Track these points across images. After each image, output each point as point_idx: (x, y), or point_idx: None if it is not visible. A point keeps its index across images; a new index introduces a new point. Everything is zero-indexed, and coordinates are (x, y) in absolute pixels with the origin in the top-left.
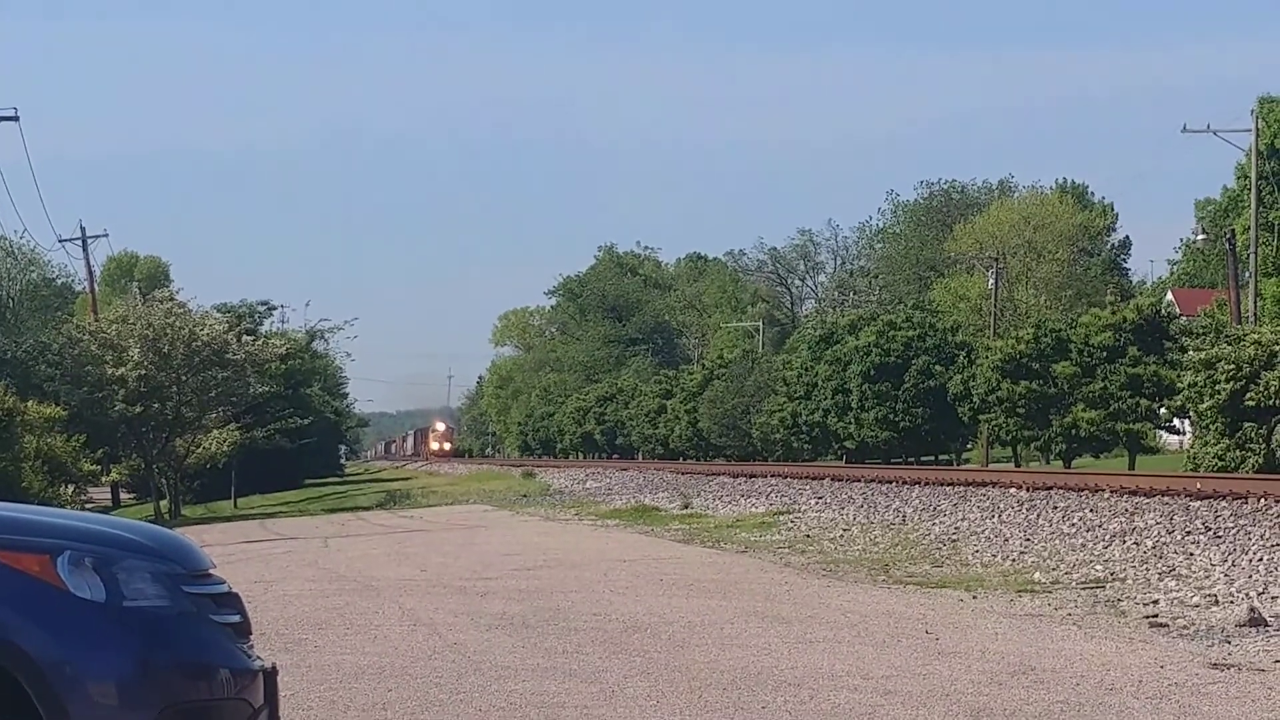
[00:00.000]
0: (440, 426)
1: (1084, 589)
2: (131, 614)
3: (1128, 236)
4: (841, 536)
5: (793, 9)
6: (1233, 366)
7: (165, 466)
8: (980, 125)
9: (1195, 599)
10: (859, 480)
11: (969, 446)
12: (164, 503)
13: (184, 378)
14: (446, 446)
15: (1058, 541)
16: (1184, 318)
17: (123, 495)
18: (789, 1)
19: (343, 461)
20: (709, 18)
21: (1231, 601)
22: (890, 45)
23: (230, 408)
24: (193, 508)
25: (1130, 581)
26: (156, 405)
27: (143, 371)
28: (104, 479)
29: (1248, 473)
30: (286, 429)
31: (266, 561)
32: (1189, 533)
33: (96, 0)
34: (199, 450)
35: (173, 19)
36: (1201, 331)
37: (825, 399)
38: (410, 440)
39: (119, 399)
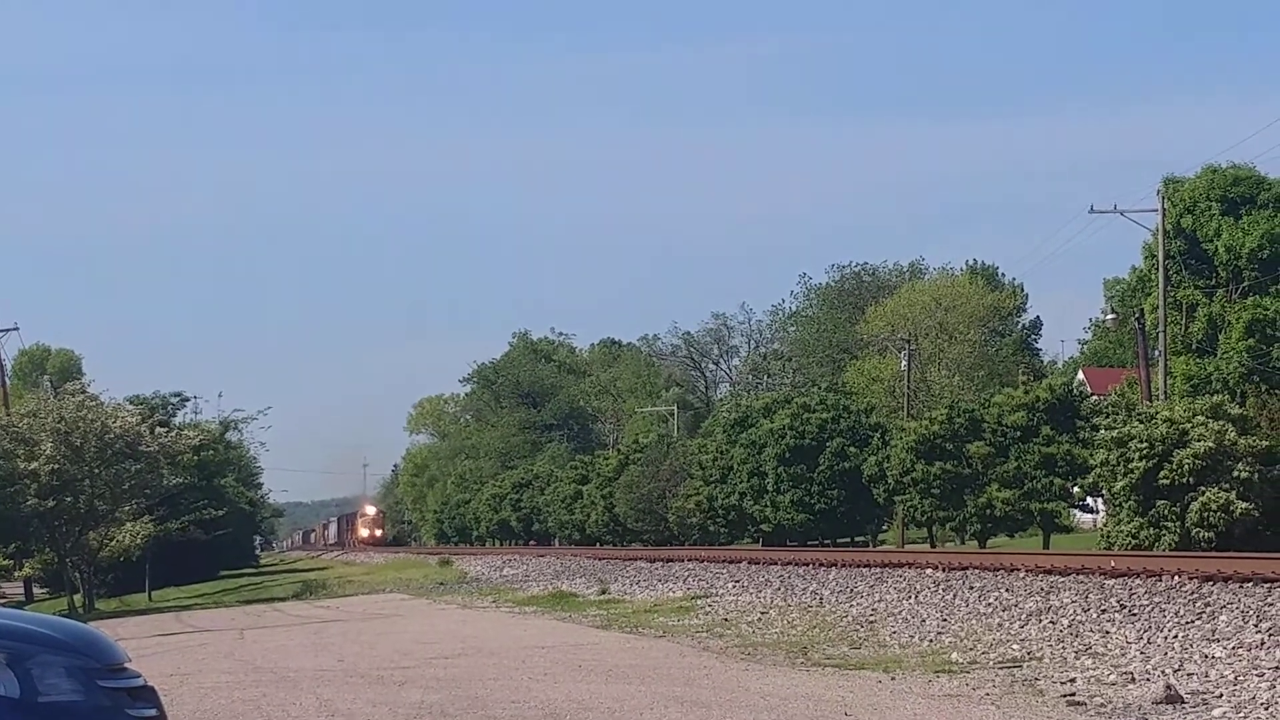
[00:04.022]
0: (370, 511)
1: (1001, 668)
2: (46, 709)
3: (1038, 317)
4: (759, 619)
5: (700, 92)
6: (1145, 445)
7: (79, 560)
8: (888, 206)
9: (1112, 677)
10: (775, 563)
11: (884, 528)
12: (78, 596)
13: (97, 470)
14: (378, 534)
15: (974, 621)
16: (1095, 397)
17: (36, 590)
18: (696, 85)
19: (258, 552)
20: (618, 102)
21: (1148, 679)
22: (800, 125)
23: (144, 500)
24: (107, 601)
25: (1047, 660)
26: (69, 499)
27: (55, 465)
28: (17, 574)
29: (1162, 551)
30: (201, 520)
31: (182, 654)
32: (1105, 611)
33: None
34: (112, 543)
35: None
36: (1113, 410)
37: (741, 482)
38: (334, 528)
39: (31, 493)
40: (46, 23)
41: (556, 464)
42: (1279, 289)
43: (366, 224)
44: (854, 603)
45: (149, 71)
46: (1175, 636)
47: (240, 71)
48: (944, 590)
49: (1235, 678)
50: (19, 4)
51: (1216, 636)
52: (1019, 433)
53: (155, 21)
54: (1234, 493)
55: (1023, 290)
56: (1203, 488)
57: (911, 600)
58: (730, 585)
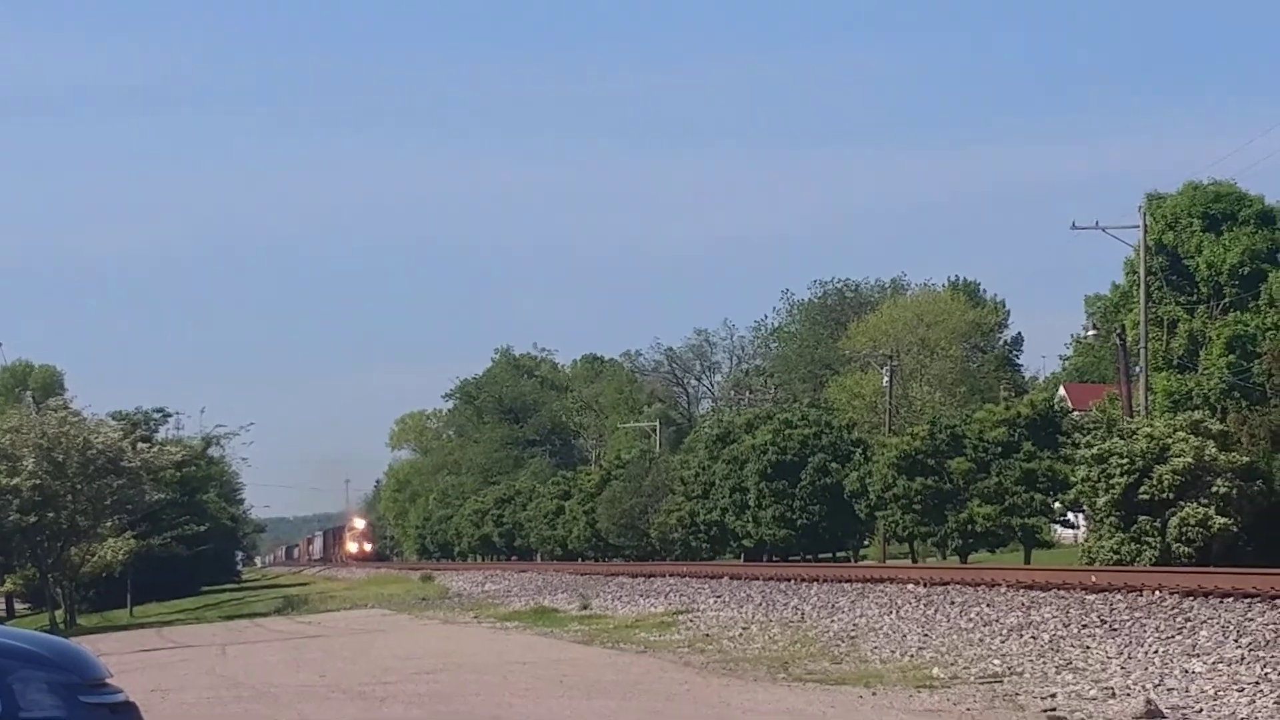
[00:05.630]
0: (359, 524)
1: (982, 683)
2: None
3: (1020, 333)
4: (741, 635)
5: (679, 109)
6: (1126, 460)
7: (60, 576)
8: (871, 223)
9: (1092, 692)
10: (757, 578)
11: (866, 543)
12: (59, 612)
13: (79, 486)
14: (367, 548)
15: (955, 636)
16: (1077, 412)
17: (17, 605)
18: (676, 102)
19: (240, 568)
20: (598, 121)
21: (1128, 694)
22: (780, 144)
23: (126, 515)
24: (88, 617)
25: (1028, 675)
26: (51, 514)
27: (37, 481)
28: None
29: (1144, 566)
30: (183, 536)
31: (164, 670)
32: (1085, 626)
33: None
34: (94, 559)
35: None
36: (1094, 426)
37: (723, 498)
38: (319, 542)
39: (13, 509)
40: (30, 46)
41: (538, 479)
42: (1259, 305)
43: (348, 242)
44: (835, 618)
45: (127, 96)
46: (1156, 651)
47: (217, 95)
48: (925, 605)
49: (1215, 693)
50: None
51: (1197, 651)
52: (1000, 448)
53: (134, 46)
54: (1213, 508)
55: (1004, 306)
56: (1182, 503)
57: (893, 615)
58: (712, 601)
